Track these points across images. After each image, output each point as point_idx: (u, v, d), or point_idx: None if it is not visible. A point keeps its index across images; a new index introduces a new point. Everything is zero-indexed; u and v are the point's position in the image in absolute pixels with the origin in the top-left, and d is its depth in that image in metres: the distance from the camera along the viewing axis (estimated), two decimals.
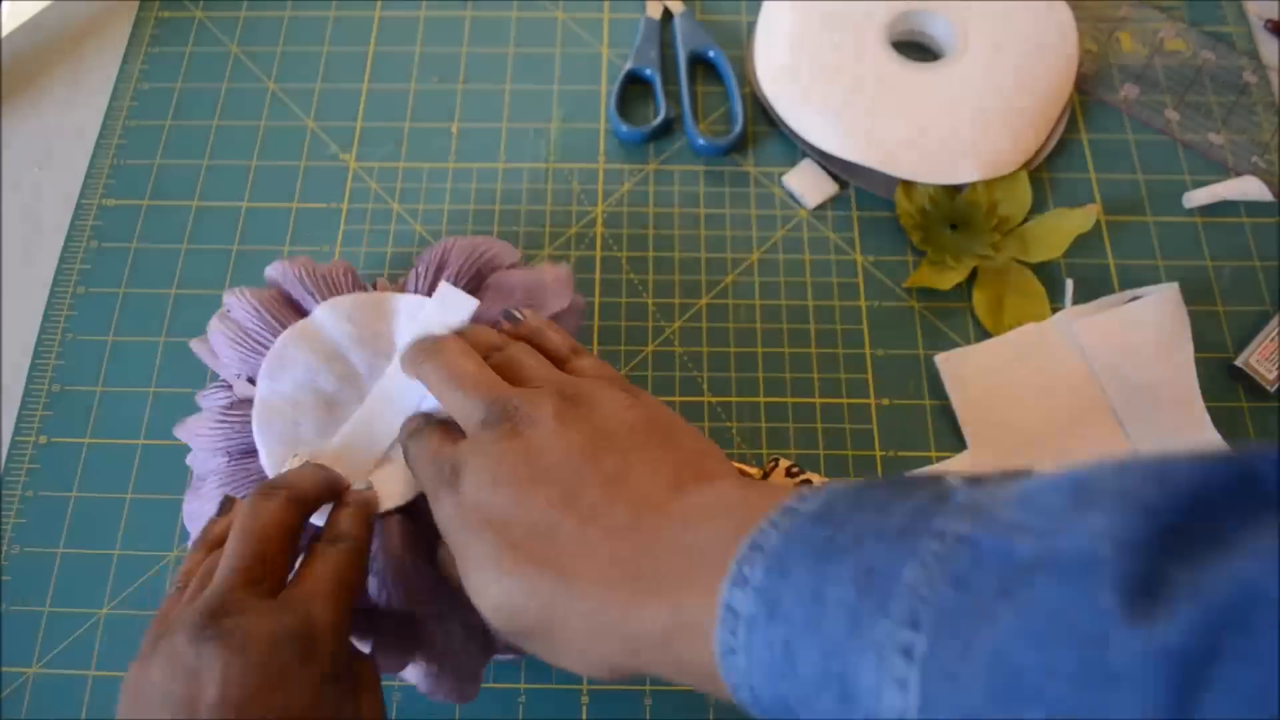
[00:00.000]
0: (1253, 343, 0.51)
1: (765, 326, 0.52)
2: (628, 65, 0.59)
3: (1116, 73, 0.60)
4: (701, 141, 0.56)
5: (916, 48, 0.60)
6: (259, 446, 0.39)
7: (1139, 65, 0.60)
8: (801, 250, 0.54)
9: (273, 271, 0.44)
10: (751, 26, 0.61)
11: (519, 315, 0.39)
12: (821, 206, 0.56)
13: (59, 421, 0.50)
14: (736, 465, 0.46)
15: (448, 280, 0.42)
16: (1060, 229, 0.54)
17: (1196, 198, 0.55)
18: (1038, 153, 0.56)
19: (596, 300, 0.53)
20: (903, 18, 0.58)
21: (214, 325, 0.43)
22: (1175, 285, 0.50)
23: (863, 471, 0.49)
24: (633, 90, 0.59)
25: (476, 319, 0.41)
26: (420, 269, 0.43)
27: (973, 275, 0.53)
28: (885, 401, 0.50)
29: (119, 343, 0.52)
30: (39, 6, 0.62)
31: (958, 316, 0.52)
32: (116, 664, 0.45)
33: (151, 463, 0.49)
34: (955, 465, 0.48)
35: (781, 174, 0.56)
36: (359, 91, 0.59)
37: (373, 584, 0.36)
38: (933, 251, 0.53)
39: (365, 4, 0.62)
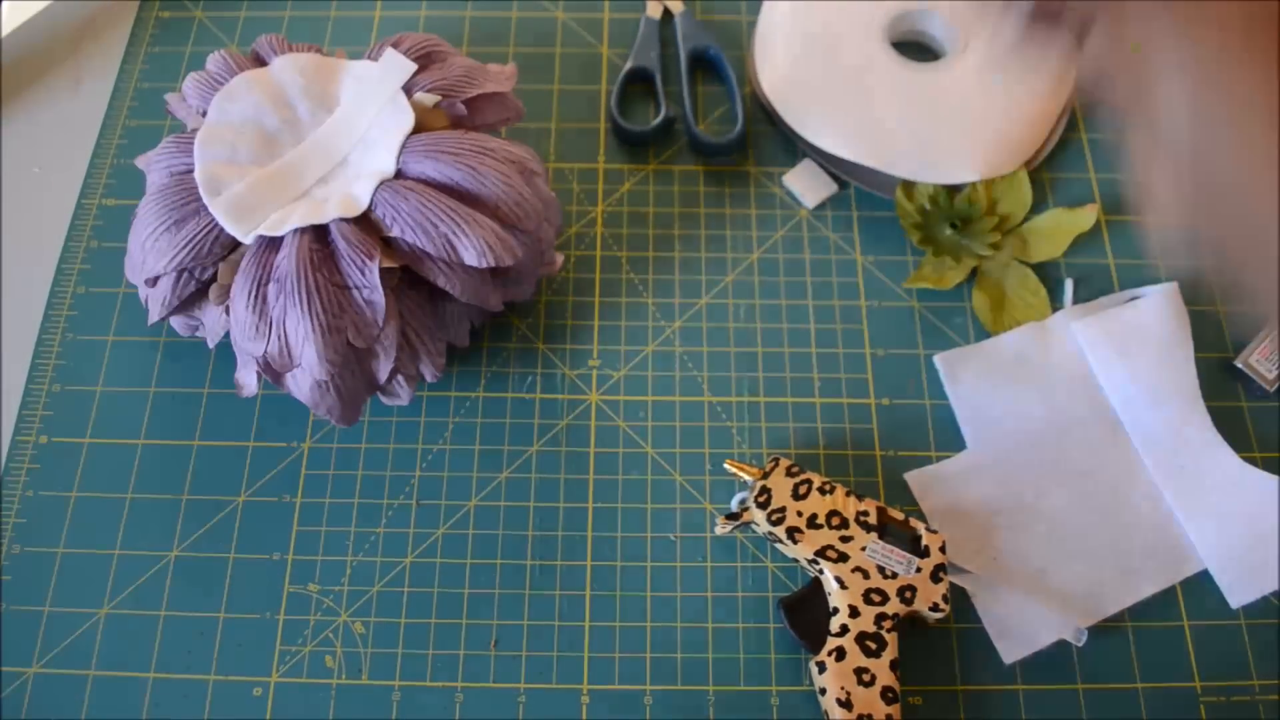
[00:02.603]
0: (1253, 343, 0.51)
1: (765, 326, 0.52)
2: (628, 65, 0.59)
3: None
4: (702, 141, 0.56)
5: (916, 48, 0.60)
6: (195, 161, 0.45)
7: None
8: (801, 250, 0.54)
9: (256, 42, 0.50)
10: (752, 26, 0.61)
11: None
12: (821, 206, 0.56)
13: (59, 421, 0.50)
14: (736, 465, 0.46)
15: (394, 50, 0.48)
16: (1060, 228, 0.54)
17: None
18: (1038, 152, 0.56)
19: (597, 300, 0.53)
20: (903, 18, 0.58)
21: (189, 77, 0.49)
22: (1175, 285, 0.51)
23: (863, 471, 0.49)
24: (633, 90, 0.59)
25: (410, 86, 0.46)
26: (376, 46, 0.49)
27: (973, 275, 0.53)
28: (885, 401, 0.50)
29: (119, 343, 0.52)
30: (39, 6, 0.62)
31: (958, 316, 0.52)
32: (116, 664, 0.45)
33: (151, 463, 0.49)
34: (955, 465, 0.48)
35: (781, 174, 0.56)
36: None
37: (272, 291, 0.42)
38: (933, 251, 0.53)
39: (365, 4, 0.62)
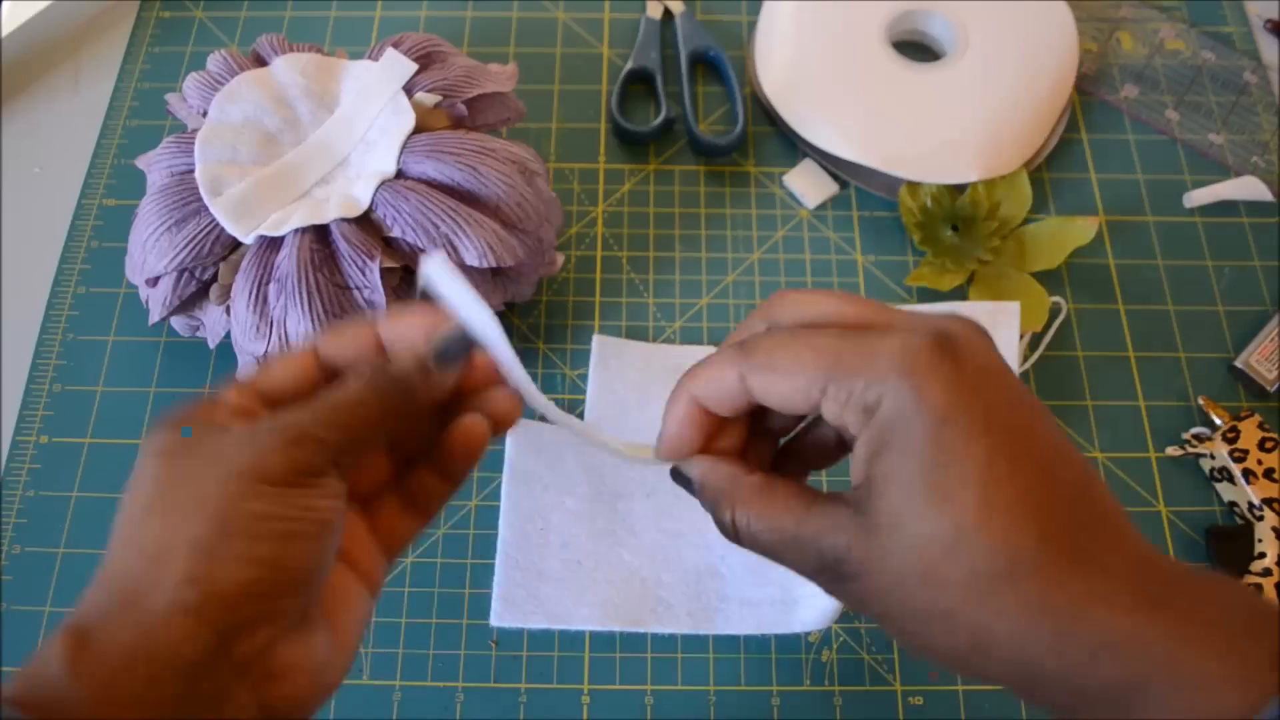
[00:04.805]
0: (1253, 343, 0.51)
1: None
2: (628, 65, 0.59)
3: (1116, 73, 0.60)
4: (702, 141, 0.56)
5: (916, 48, 0.60)
6: (196, 161, 0.45)
7: (1139, 65, 0.60)
8: (802, 250, 0.54)
9: (256, 42, 0.50)
10: (752, 26, 0.61)
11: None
12: (822, 206, 0.56)
13: (59, 421, 0.50)
14: (1208, 402, 0.49)
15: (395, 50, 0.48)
16: (1059, 239, 0.53)
17: (1196, 198, 0.55)
18: (1038, 153, 0.56)
19: (597, 300, 0.53)
20: (903, 18, 0.58)
21: (189, 77, 0.49)
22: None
23: None
24: (633, 90, 0.59)
25: (411, 86, 0.46)
26: (377, 46, 0.49)
27: (971, 276, 0.53)
28: None
29: (119, 343, 0.52)
30: (39, 6, 0.62)
31: None
32: None
33: None
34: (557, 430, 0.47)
35: (782, 174, 0.56)
36: None
37: (272, 291, 0.42)
38: (932, 253, 0.53)
39: (365, 4, 0.62)
